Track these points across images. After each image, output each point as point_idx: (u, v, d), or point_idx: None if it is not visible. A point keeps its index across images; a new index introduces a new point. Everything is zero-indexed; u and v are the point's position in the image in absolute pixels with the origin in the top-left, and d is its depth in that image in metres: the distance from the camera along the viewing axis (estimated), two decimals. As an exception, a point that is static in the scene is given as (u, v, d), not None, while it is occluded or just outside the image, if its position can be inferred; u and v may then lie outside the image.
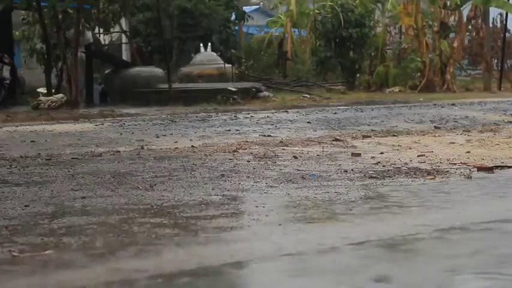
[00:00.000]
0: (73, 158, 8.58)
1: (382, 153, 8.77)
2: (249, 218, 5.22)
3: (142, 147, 9.63)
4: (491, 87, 26.56)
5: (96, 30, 24.10)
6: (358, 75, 27.95)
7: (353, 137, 10.87)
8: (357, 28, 27.00)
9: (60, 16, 20.58)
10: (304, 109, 17.01)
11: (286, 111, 16.09)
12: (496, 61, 30.71)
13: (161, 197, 5.95)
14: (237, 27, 28.89)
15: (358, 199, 5.87)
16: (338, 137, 10.71)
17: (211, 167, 7.65)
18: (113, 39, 28.73)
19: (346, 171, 7.32)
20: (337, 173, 7.20)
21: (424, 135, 11.20)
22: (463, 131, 11.72)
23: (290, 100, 20.90)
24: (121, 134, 11.51)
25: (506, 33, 29.79)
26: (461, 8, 27.10)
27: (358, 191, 6.20)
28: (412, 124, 13.10)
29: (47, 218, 5.21)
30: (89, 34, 22.13)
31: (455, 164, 7.74)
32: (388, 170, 7.33)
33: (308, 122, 13.39)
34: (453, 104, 17.84)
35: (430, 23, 27.16)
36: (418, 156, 8.41)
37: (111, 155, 8.91)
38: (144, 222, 5.06)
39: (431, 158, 8.19)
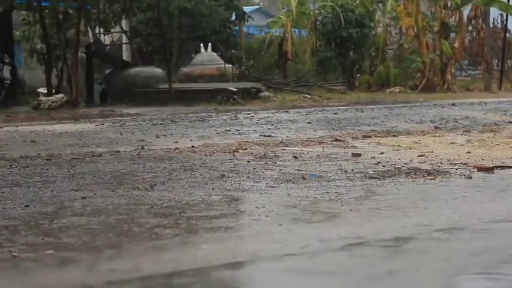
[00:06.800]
0: (73, 158, 8.57)
1: (382, 153, 8.77)
2: (249, 218, 5.22)
3: (142, 148, 9.63)
4: (492, 87, 26.54)
5: (97, 30, 24.09)
6: (358, 75, 27.92)
7: (353, 137, 10.86)
8: (357, 28, 26.97)
9: (60, 16, 20.57)
10: (304, 109, 17.00)
11: (287, 112, 16.08)
12: (496, 61, 30.69)
13: (161, 197, 5.95)
14: (237, 28, 28.89)
15: (358, 199, 5.87)
16: (338, 137, 10.71)
17: (212, 167, 7.65)
18: (114, 39, 28.74)
19: (346, 171, 7.32)
20: (338, 173, 7.19)
21: (424, 135, 11.20)
22: (463, 131, 11.71)
23: (290, 100, 20.89)
24: (121, 134, 11.50)
25: (507, 34, 29.77)
26: (462, 9, 27.11)
27: (358, 191, 6.20)
28: (412, 124, 13.09)
29: (47, 218, 5.21)
30: (90, 34, 22.12)
31: (455, 164, 7.74)
32: (389, 170, 7.33)
33: (308, 122, 13.39)
34: (453, 104, 17.83)
35: (431, 23, 27.15)
36: (418, 156, 8.41)
37: (111, 155, 8.91)
38: (144, 222, 5.07)
39: (432, 158, 8.19)
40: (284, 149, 9.33)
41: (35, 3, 20.55)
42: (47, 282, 3.77)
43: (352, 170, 7.41)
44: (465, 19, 27.21)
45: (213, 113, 15.94)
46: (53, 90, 20.03)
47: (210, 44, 24.92)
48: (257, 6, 51.21)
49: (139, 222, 5.06)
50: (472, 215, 5.25)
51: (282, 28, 29.94)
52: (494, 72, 29.11)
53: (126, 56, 27.91)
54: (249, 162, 8.09)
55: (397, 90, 25.50)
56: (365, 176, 7.02)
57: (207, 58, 24.14)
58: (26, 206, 5.63)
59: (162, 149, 9.54)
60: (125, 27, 26.25)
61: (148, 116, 15.47)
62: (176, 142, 10.35)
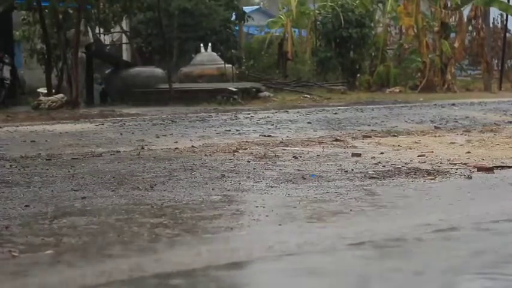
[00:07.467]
0: (73, 158, 8.57)
1: (382, 153, 8.77)
2: (249, 218, 5.22)
3: (142, 148, 9.63)
4: (492, 87, 26.53)
5: (97, 30, 24.09)
6: (358, 75, 27.90)
7: (353, 137, 10.86)
8: (357, 28, 26.97)
9: (60, 16, 20.57)
10: (304, 109, 16.99)
11: (287, 112, 16.08)
12: (496, 61, 30.68)
13: (161, 197, 5.95)
14: (237, 27, 28.89)
15: (358, 199, 5.87)
16: (338, 137, 10.71)
17: (212, 167, 7.65)
18: (114, 39, 28.73)
19: (346, 171, 7.32)
20: (338, 173, 7.19)
21: (424, 135, 11.20)
22: (463, 131, 11.71)
23: (290, 100, 20.89)
24: (121, 134, 11.50)
25: (507, 34, 29.77)
26: (462, 9, 27.11)
27: (358, 191, 6.20)
28: (412, 124, 13.09)
29: (47, 218, 5.22)
30: (90, 34, 22.13)
31: (455, 164, 7.74)
32: (389, 170, 7.33)
33: (308, 122, 13.39)
34: (453, 104, 17.83)
35: (431, 23, 27.15)
36: (418, 156, 8.41)
37: (111, 155, 8.91)
38: (144, 222, 5.07)
39: (432, 158, 8.19)
40: (284, 149, 9.33)
41: (35, 3, 20.54)
42: (47, 282, 3.77)
43: (352, 170, 7.41)
44: (465, 19, 27.20)
45: (213, 113, 15.94)
46: (53, 90, 20.03)
47: (210, 44, 24.91)
48: (257, 6, 51.20)
49: (139, 222, 5.06)
50: (472, 215, 5.26)
51: (282, 28, 29.92)
52: (494, 72, 29.10)
53: (126, 56, 27.89)
54: (249, 162, 8.09)
55: (397, 90, 25.49)
56: (365, 176, 7.02)
57: (207, 58, 24.13)
58: (26, 206, 5.63)
59: (162, 149, 9.54)
60: (125, 27, 26.24)
61: (148, 116, 15.47)
62: (176, 142, 10.35)
